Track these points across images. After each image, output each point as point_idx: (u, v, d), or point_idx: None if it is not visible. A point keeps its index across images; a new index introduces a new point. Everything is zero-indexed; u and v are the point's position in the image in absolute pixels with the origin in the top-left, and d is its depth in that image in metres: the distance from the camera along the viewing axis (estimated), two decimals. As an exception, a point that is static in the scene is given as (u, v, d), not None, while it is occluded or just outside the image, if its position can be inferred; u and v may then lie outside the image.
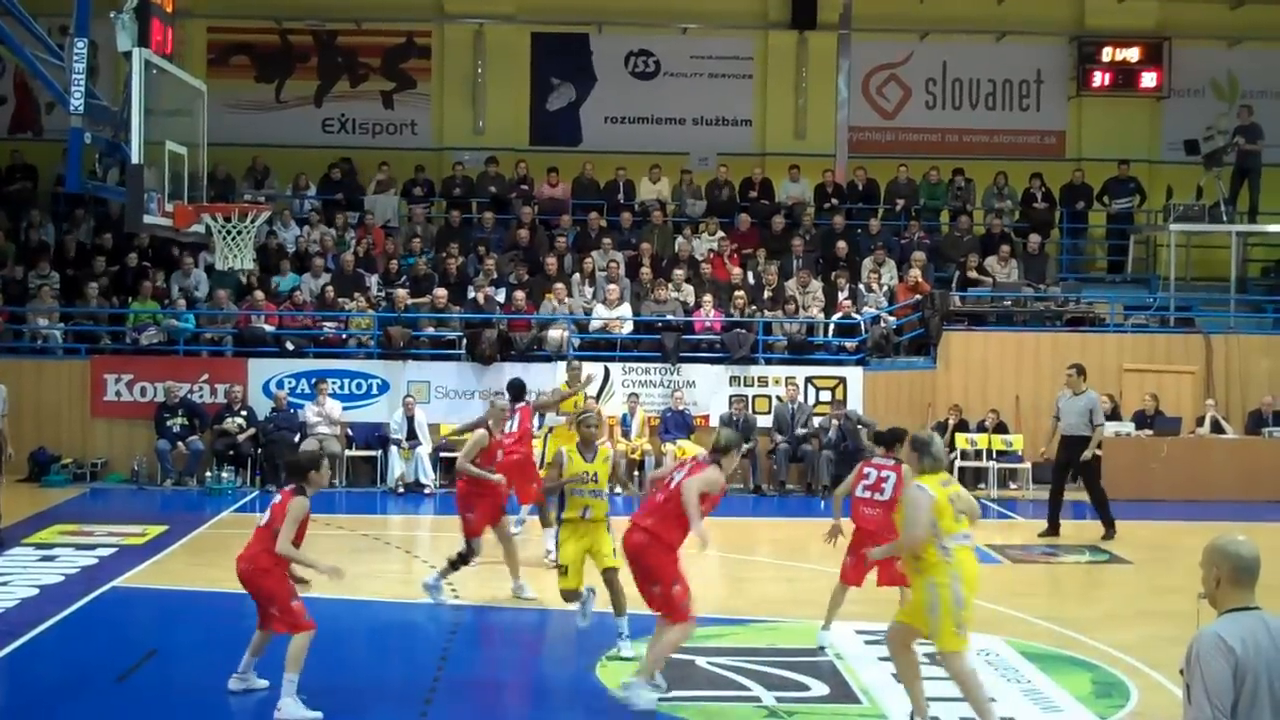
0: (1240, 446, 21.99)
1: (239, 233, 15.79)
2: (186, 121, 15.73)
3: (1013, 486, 21.97)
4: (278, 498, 9.72)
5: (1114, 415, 21.79)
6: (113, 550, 15.57)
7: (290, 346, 22.15)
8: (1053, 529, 17.57)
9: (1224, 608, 5.31)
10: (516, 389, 15.43)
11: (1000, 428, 22.05)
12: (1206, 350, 23.27)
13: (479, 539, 13.03)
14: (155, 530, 16.90)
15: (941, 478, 8.87)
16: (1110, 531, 17.39)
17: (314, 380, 21.60)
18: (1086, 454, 17.38)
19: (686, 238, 24.80)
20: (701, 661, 11.01)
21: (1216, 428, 22.15)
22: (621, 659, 10.74)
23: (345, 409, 21.61)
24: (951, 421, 22.07)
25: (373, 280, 23.63)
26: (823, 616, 11.68)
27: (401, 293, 22.70)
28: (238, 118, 26.44)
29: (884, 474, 11.13)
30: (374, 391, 21.94)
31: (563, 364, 21.84)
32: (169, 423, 21.14)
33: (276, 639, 9.75)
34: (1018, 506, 20.62)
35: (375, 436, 21.60)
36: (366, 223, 24.99)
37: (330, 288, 22.83)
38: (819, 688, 10.35)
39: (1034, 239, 25.09)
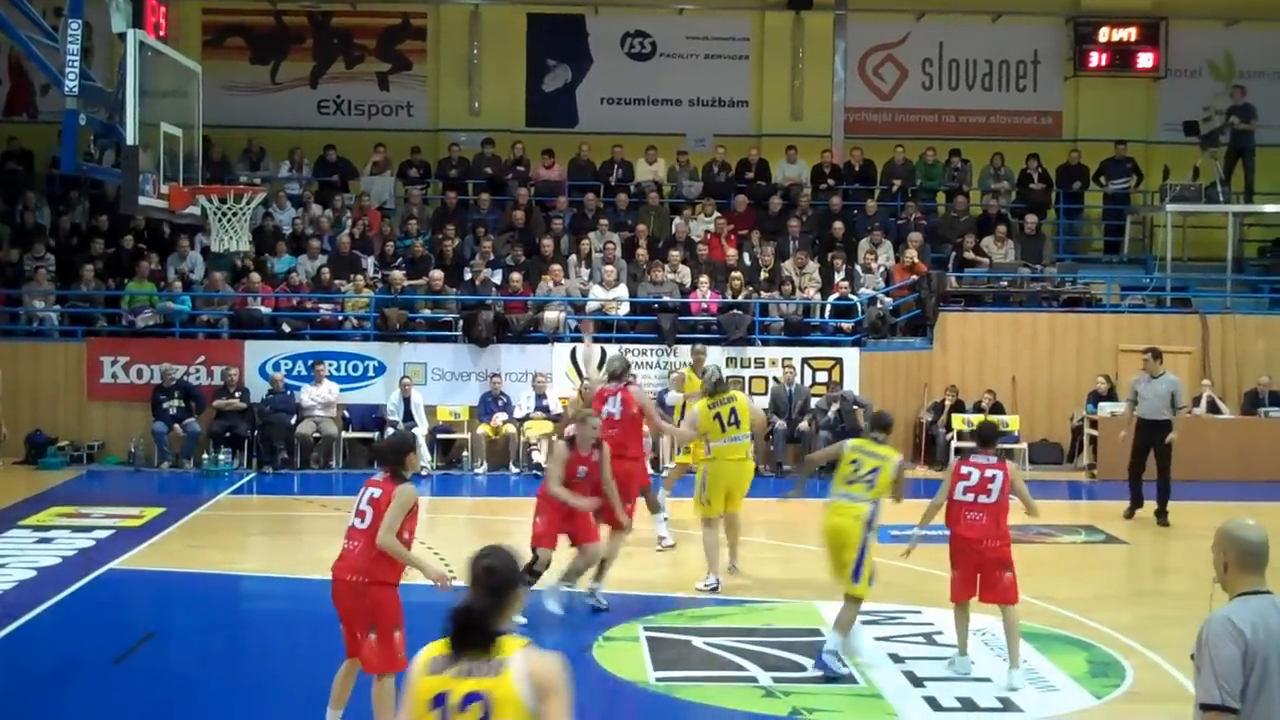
0: (1236, 426, 22.01)
1: (234, 214, 15.79)
2: (181, 103, 15.71)
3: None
4: (376, 491, 8.10)
5: (1110, 396, 21.81)
6: (110, 532, 15.59)
7: (287, 328, 22.12)
8: (1136, 506, 17.65)
9: (1234, 591, 5.30)
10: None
11: (997, 408, 22.05)
12: (1203, 330, 23.27)
13: (546, 550, 11.62)
14: (152, 512, 16.92)
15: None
16: (1163, 518, 17.37)
17: (311, 362, 21.59)
18: (1171, 436, 17.33)
19: (683, 219, 24.77)
20: (698, 642, 11.05)
21: (1213, 408, 22.16)
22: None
23: (342, 391, 21.60)
24: (948, 402, 22.09)
25: (369, 262, 23.60)
26: (819, 596, 11.71)
27: (398, 274, 22.68)
28: (233, 99, 26.35)
29: (989, 473, 10.19)
30: (370, 373, 21.93)
31: (558, 345, 21.93)
32: (165, 405, 21.13)
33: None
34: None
35: (372, 418, 21.59)
36: (362, 204, 24.95)
37: (326, 269, 22.80)
38: (815, 668, 10.37)
39: (1030, 219, 25.05)
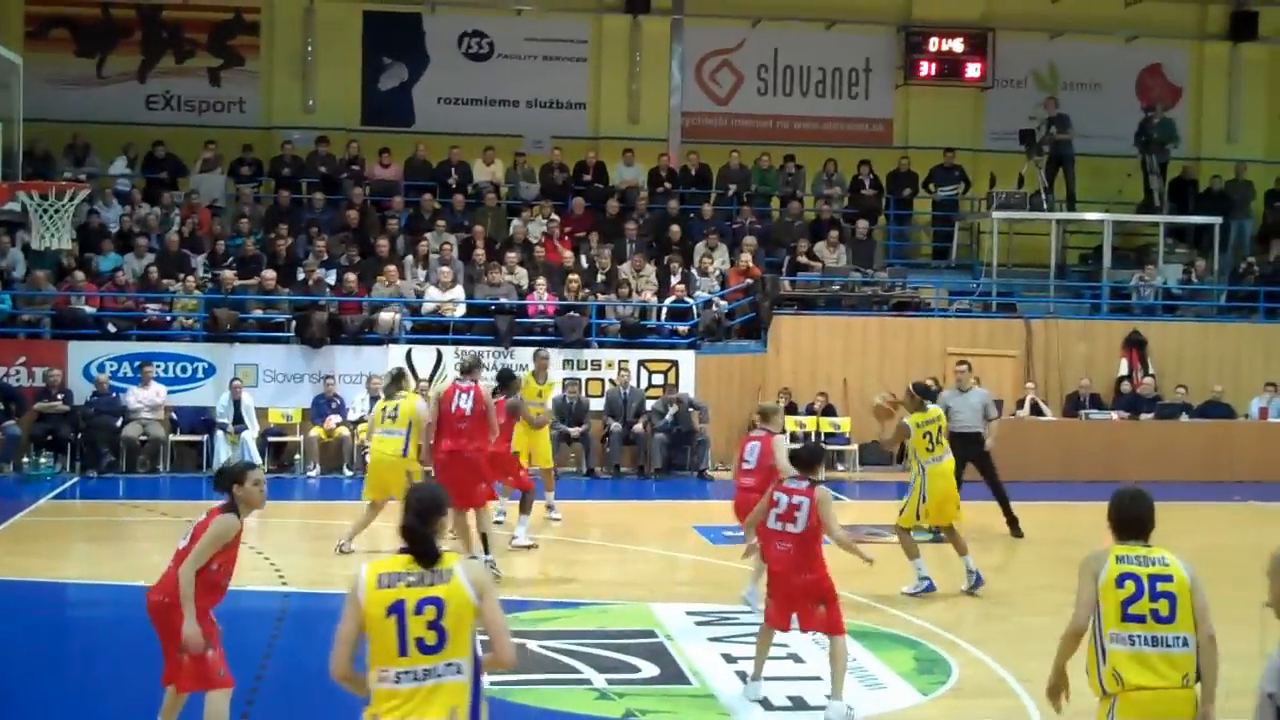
0: (1059, 428, 22.67)
1: (57, 211, 15.40)
2: (1, 96, 15.26)
3: (840, 468, 22.36)
4: (203, 515, 7.82)
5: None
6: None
7: (112, 329, 21.58)
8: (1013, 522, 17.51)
9: None
10: (504, 379, 15.27)
11: (829, 410, 22.43)
12: (1027, 335, 23.93)
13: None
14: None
15: None
16: (1016, 530, 17.23)
17: (138, 363, 21.09)
18: (989, 444, 17.21)
19: (521, 221, 24.73)
20: (533, 645, 11.02)
21: (1036, 410, 22.79)
22: None
23: (170, 393, 21.15)
24: (781, 404, 22.33)
25: (199, 261, 23.15)
26: (653, 598, 11.77)
27: (228, 274, 22.27)
28: (57, 93, 25.59)
29: (796, 499, 9.43)
30: (199, 375, 21.50)
31: (393, 347, 21.73)
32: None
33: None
34: (845, 488, 20.96)
35: (200, 421, 21.18)
36: (192, 202, 24.43)
37: (154, 268, 22.30)
38: (649, 669, 10.42)
39: (862, 225, 25.52)
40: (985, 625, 12.12)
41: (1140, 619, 6.26)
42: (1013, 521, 17.22)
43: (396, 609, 5.37)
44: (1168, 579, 6.34)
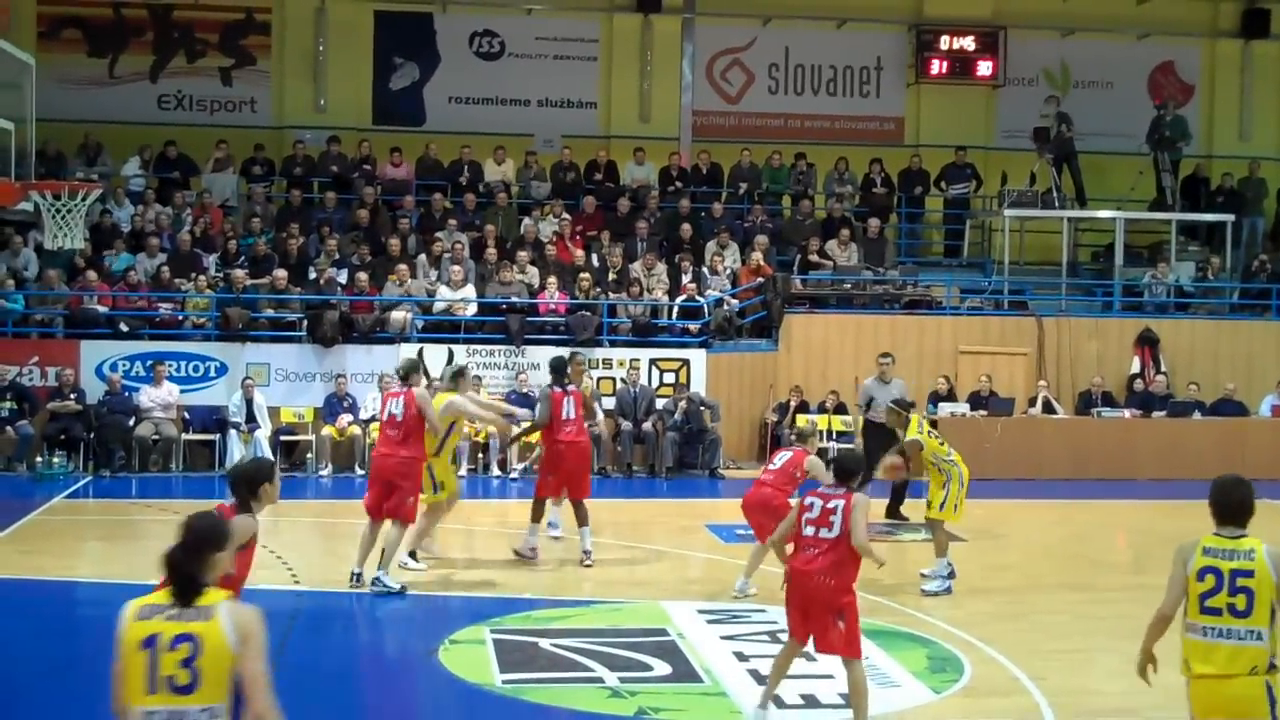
0: (1070, 426, 22.63)
1: (69, 211, 15.45)
2: (14, 96, 15.33)
3: (888, 467, 22.26)
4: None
5: (949, 396, 22.30)
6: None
7: (124, 328, 21.61)
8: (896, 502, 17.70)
9: None
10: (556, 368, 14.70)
11: (840, 409, 22.41)
12: (1039, 333, 23.90)
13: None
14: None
15: None
16: (897, 514, 17.48)
17: (150, 363, 21.12)
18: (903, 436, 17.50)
19: (532, 220, 24.74)
20: (545, 644, 11.04)
21: (1048, 408, 22.75)
22: None
23: (182, 392, 21.17)
24: (793, 403, 22.37)
25: (210, 260, 23.17)
26: (665, 596, 11.77)
27: (240, 273, 22.29)
28: (69, 93, 25.65)
29: (832, 504, 8.91)
30: (211, 374, 21.52)
31: (404, 346, 21.74)
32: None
33: None
34: (857, 486, 20.94)
35: (213, 420, 21.21)
36: (204, 202, 24.47)
37: (166, 268, 22.33)
38: (661, 667, 10.43)
39: (873, 223, 25.50)
40: (998, 624, 12.10)
41: (1217, 612, 6.48)
42: (895, 507, 17.54)
43: (150, 643, 5.10)
44: (1249, 574, 6.48)
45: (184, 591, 5.15)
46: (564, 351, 20.53)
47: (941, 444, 13.93)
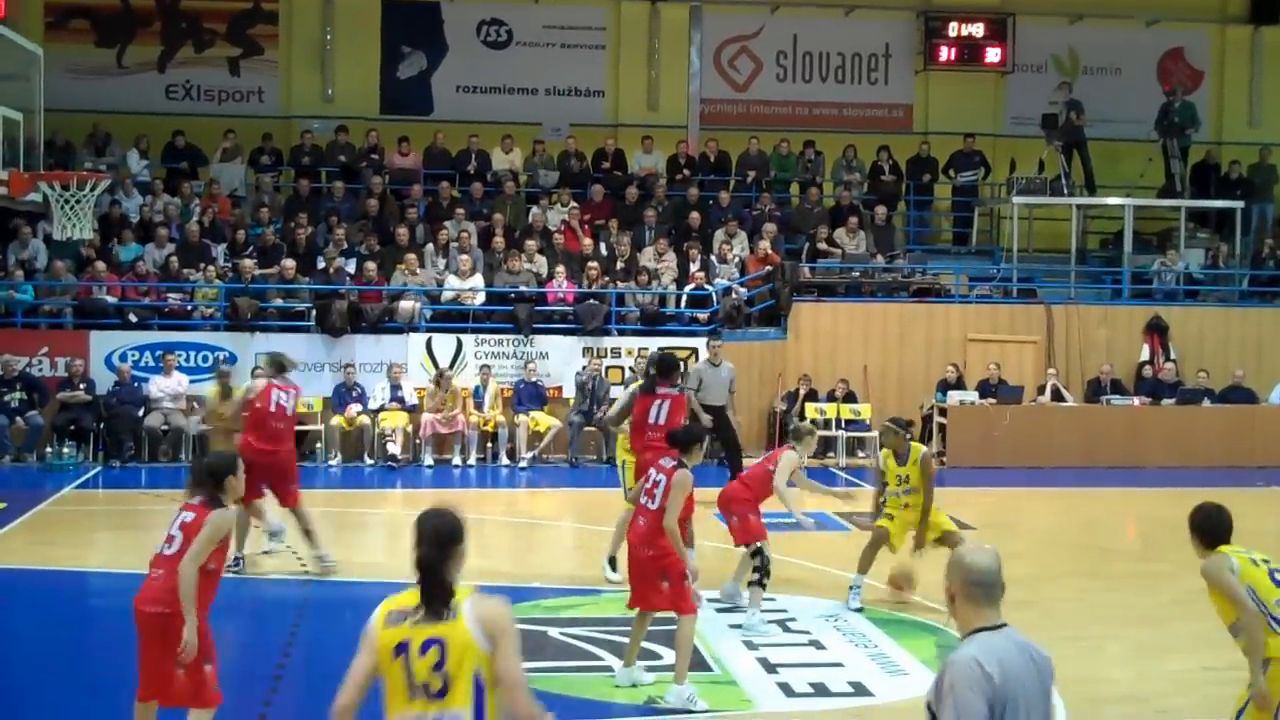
0: (1080, 414, 22.61)
1: (78, 201, 15.45)
2: (22, 86, 15.34)
3: (861, 455, 22.33)
4: (189, 515, 7.55)
5: (958, 384, 22.29)
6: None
7: (134, 319, 21.65)
8: None
9: (968, 627, 4.82)
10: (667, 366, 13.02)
11: (849, 397, 22.40)
12: (1048, 320, 23.85)
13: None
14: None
15: None
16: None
17: (159, 353, 21.15)
18: (735, 419, 17.75)
19: (540, 208, 24.73)
20: (554, 632, 11.05)
21: (1057, 396, 22.73)
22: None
23: (191, 382, 21.18)
24: (801, 391, 22.36)
25: (219, 250, 23.18)
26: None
27: (249, 263, 22.31)
28: (77, 83, 25.67)
29: (656, 476, 9.65)
30: (221, 364, 21.53)
31: (413, 335, 21.76)
32: (7, 397, 20.53)
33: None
34: (866, 474, 20.94)
35: (223, 410, 21.21)
36: (212, 192, 24.48)
37: (175, 258, 22.35)
38: (670, 656, 10.41)
39: (881, 211, 25.46)
40: (1007, 611, 12.05)
41: None
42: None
43: (402, 649, 4.94)
44: None
45: (435, 598, 4.97)
46: (651, 345, 20.29)
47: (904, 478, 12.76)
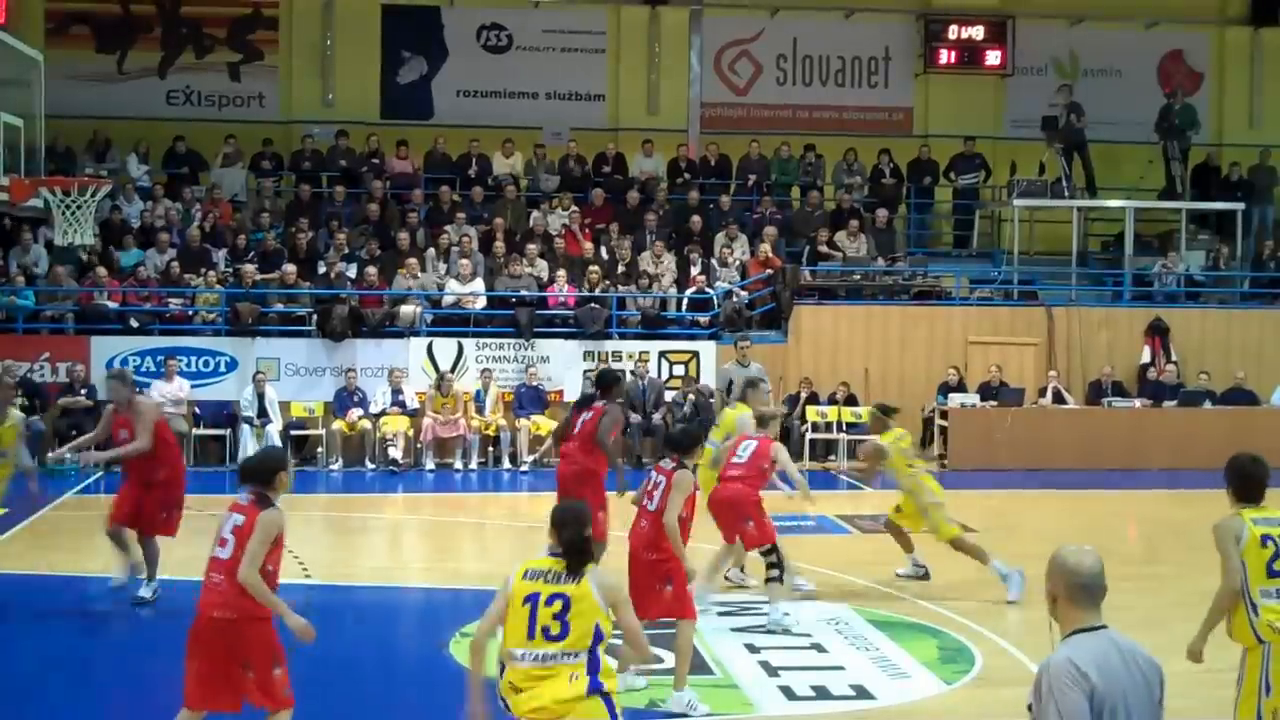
0: (1081, 416, 22.61)
1: (79, 207, 15.46)
2: (23, 92, 15.34)
3: (862, 458, 22.26)
4: (239, 518, 7.49)
5: (959, 387, 22.29)
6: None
7: (135, 324, 21.66)
8: None
9: (1068, 628, 4.80)
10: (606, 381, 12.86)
11: (850, 400, 22.39)
12: (1049, 322, 23.85)
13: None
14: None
15: None
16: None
17: (161, 358, 21.16)
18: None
19: (540, 212, 24.74)
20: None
21: (1058, 398, 22.73)
22: None
23: (193, 387, 21.21)
24: (803, 394, 22.36)
25: (220, 256, 23.20)
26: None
27: (250, 268, 22.33)
28: (78, 89, 25.66)
29: (657, 478, 9.74)
30: (222, 369, 21.57)
31: (414, 340, 21.76)
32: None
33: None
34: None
35: (223, 415, 21.24)
36: (213, 197, 24.50)
37: (176, 263, 22.37)
38: (672, 659, 10.41)
39: (882, 214, 25.47)
40: (1009, 614, 12.09)
41: None
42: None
43: (531, 600, 6.17)
44: None
45: (575, 565, 6.21)
46: (563, 345, 20.38)
47: (909, 465, 13.29)
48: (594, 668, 6.17)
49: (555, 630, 6.13)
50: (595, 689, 6.14)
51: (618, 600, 6.29)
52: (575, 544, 6.25)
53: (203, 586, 7.53)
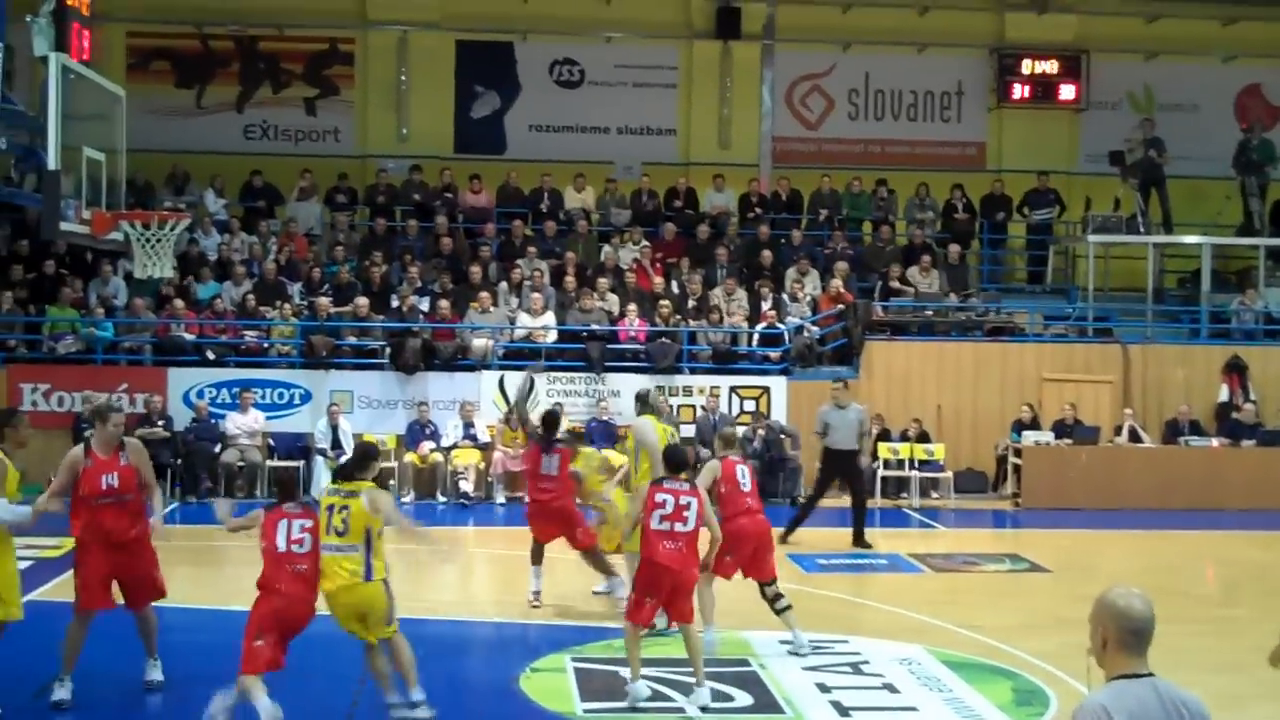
0: (1157, 455, 22.30)
1: (158, 240, 15.68)
2: (105, 127, 15.59)
3: (934, 496, 22.11)
4: (308, 521, 9.38)
5: (1033, 425, 22.06)
6: (29, 563, 15.28)
7: (211, 356, 21.91)
8: (795, 528, 17.44)
9: (1112, 673, 4.66)
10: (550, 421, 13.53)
11: (923, 437, 22.23)
12: (1124, 360, 23.59)
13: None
14: (72, 543, 16.58)
15: None
16: (862, 540, 17.30)
17: (236, 390, 21.39)
18: (864, 461, 17.86)
19: (612, 247, 24.82)
20: (626, 673, 10.99)
21: (1134, 437, 22.45)
22: None
23: (267, 419, 21.41)
24: (875, 431, 22.20)
25: (295, 288, 23.44)
26: (747, 626, 11.68)
27: (324, 301, 22.53)
28: (157, 124, 26.10)
29: (684, 500, 10.07)
30: (296, 401, 21.76)
31: (486, 373, 21.84)
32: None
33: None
34: (940, 515, 20.78)
35: (297, 447, 21.41)
36: (289, 230, 24.78)
37: (252, 296, 22.63)
38: (743, 698, 10.38)
39: (955, 249, 25.33)
40: (1084, 656, 11.93)
41: None
42: (859, 535, 17.40)
43: (329, 510, 9.28)
44: None
45: (348, 479, 9.50)
46: (634, 380, 20.42)
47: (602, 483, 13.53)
48: (368, 554, 9.21)
49: (340, 528, 9.14)
50: (369, 577, 9.20)
51: (378, 504, 9.26)
52: (347, 470, 9.54)
53: (292, 576, 9.36)
